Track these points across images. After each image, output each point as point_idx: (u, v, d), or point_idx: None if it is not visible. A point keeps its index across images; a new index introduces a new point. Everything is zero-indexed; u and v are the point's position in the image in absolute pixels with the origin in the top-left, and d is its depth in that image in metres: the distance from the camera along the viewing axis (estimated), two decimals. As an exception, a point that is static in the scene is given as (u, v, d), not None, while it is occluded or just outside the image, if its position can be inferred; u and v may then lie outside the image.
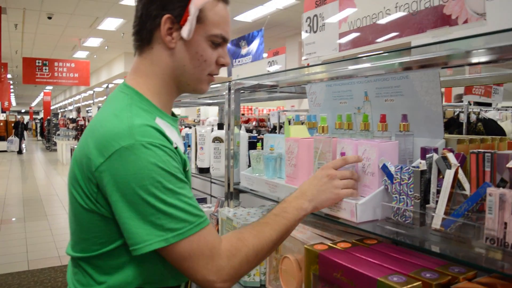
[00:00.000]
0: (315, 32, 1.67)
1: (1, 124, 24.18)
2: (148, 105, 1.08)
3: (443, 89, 7.06)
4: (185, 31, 1.04)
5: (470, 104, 4.83)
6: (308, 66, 1.62)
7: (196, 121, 13.82)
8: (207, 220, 1.02)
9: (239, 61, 7.17)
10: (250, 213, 1.91)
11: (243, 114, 14.43)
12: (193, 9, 1.02)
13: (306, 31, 1.72)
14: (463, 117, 4.22)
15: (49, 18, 10.15)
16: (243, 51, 7.54)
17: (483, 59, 1.22)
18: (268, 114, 11.64)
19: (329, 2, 1.59)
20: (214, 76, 1.17)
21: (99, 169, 0.96)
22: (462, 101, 4.69)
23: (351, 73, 1.63)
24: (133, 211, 0.94)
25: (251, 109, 15.23)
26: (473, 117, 4.26)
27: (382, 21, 1.36)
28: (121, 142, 0.94)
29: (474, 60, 1.28)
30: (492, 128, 4.13)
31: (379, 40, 1.37)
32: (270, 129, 10.43)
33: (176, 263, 0.99)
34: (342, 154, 1.35)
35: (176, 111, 13.97)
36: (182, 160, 1.07)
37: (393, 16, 1.32)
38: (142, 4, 1.08)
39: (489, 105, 5.35)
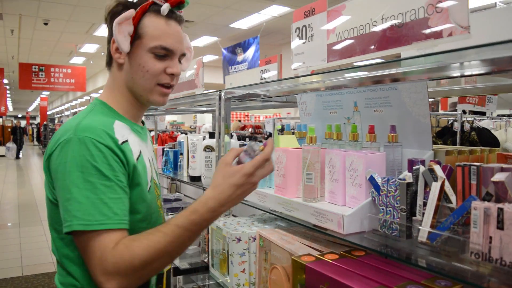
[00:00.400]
0: (304, 42, 1.67)
1: (9, 129, 23.82)
2: (109, 111, 1.24)
3: (438, 98, 7.09)
4: (119, 46, 1.20)
5: (465, 113, 4.84)
6: (297, 76, 1.62)
7: (192, 127, 13.80)
8: (117, 223, 1.05)
9: (235, 68, 7.16)
10: (240, 223, 1.90)
11: (239, 121, 14.43)
12: (114, 23, 1.17)
13: (295, 41, 1.72)
14: (457, 126, 4.22)
15: (45, 24, 10.13)
16: (239, 58, 7.53)
17: (473, 71, 1.23)
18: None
19: (318, 13, 1.59)
20: (168, 87, 1.26)
21: (49, 158, 1.12)
22: (456, 110, 4.69)
23: (340, 84, 1.63)
24: (60, 195, 1.08)
25: (247, 115, 15.23)
26: (467, 126, 4.27)
27: (369, 32, 1.36)
28: (65, 136, 1.09)
29: (465, 72, 1.28)
30: (486, 137, 4.13)
31: (366, 51, 1.37)
32: (266, 136, 10.42)
33: (81, 254, 1.08)
34: (265, 144, 1.14)
35: (172, 117, 13.98)
36: (127, 161, 1.14)
37: (379, 28, 1.32)
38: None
39: (484, 113, 5.36)
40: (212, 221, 1.12)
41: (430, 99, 1.50)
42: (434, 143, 4.40)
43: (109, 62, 1.28)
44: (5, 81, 19.08)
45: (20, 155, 20.62)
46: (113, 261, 1.01)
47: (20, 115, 43.70)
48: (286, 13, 9.05)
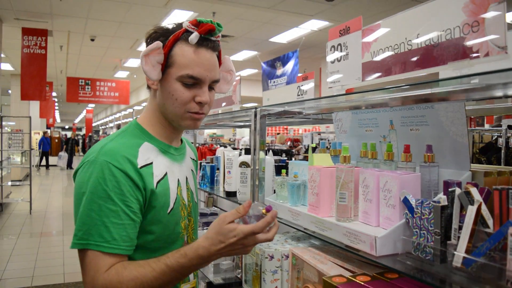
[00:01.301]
0: (339, 61, 1.67)
1: (56, 140, 24.72)
2: (141, 133, 1.29)
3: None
4: (147, 76, 1.23)
5: (511, 128, 4.67)
6: (332, 96, 1.61)
7: (231, 140, 13.94)
8: (113, 248, 1.11)
9: (274, 82, 7.21)
10: (273, 240, 1.90)
11: (278, 134, 14.44)
12: (142, 60, 1.21)
13: (331, 60, 1.72)
14: (501, 142, 4.07)
15: (92, 40, 10.54)
16: (278, 71, 7.58)
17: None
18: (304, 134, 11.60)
19: (353, 32, 1.59)
20: (199, 114, 1.27)
21: (74, 175, 1.22)
22: (501, 125, 4.53)
23: (377, 103, 1.62)
24: (74, 211, 1.16)
25: (286, 128, 15.23)
26: (512, 142, 4.11)
27: (404, 52, 1.35)
28: (89, 156, 1.17)
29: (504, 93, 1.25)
30: (533, 154, 3.96)
31: (401, 71, 1.36)
32: (305, 150, 10.37)
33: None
34: (267, 209, 1.18)
35: (212, 130, 14.14)
36: (145, 185, 1.18)
37: (415, 47, 1.30)
38: None
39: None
40: (200, 267, 1.19)
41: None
42: (478, 159, 4.27)
43: (148, 86, 1.32)
44: (54, 94, 19.92)
45: (73, 166, 21.32)
46: (102, 283, 1.08)
47: (67, 127, 45.37)
48: (325, 27, 9.05)
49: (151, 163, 1.23)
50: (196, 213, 1.45)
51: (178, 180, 1.33)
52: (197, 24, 1.22)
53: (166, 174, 1.27)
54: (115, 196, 1.12)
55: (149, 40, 1.25)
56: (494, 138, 4.38)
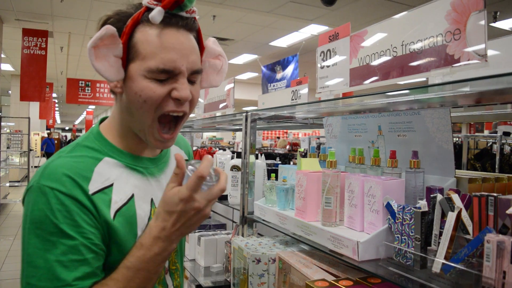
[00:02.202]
0: (328, 66, 1.69)
1: (56, 141, 24.61)
2: (102, 144, 1.03)
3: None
4: (102, 75, 0.96)
5: (508, 135, 4.68)
6: (321, 101, 1.63)
7: (230, 143, 13.96)
8: (73, 285, 0.87)
9: (273, 86, 7.22)
10: (261, 244, 1.91)
11: (278, 138, 14.44)
12: (90, 55, 0.93)
13: (320, 65, 1.74)
14: (496, 149, 4.08)
15: (93, 41, 10.57)
16: (278, 75, 7.59)
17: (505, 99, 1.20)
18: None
19: (341, 38, 1.60)
20: (169, 127, 1.01)
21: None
22: (497, 132, 4.54)
23: (363, 108, 1.63)
24: (21, 254, 0.91)
25: (286, 132, 15.23)
26: (507, 149, 4.12)
27: (390, 59, 1.36)
28: (32, 181, 0.93)
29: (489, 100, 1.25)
30: (528, 160, 3.97)
31: (386, 77, 1.37)
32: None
33: None
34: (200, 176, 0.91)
35: (212, 133, 14.17)
36: (100, 216, 0.93)
37: (399, 54, 1.32)
38: None
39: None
40: (164, 255, 0.93)
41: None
42: (472, 165, 4.27)
43: (111, 90, 1.02)
44: (54, 95, 19.94)
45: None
46: None
47: (67, 128, 45.39)
48: (324, 31, 9.07)
49: (111, 185, 0.97)
50: None
51: (152, 200, 1.06)
52: None
53: (132, 196, 1.01)
54: (68, 229, 0.88)
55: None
56: (489, 145, 4.39)
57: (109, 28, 0.91)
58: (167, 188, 0.92)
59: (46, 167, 0.93)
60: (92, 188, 0.93)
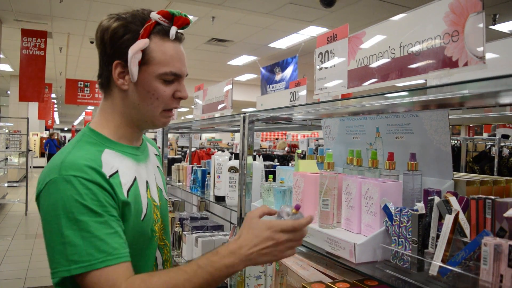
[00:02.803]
0: (326, 68, 1.68)
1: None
2: (98, 139, 1.17)
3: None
4: (132, 77, 1.14)
5: (508, 138, 4.67)
6: (318, 102, 1.62)
7: (229, 144, 13.96)
8: (118, 257, 1.01)
9: (272, 87, 7.21)
10: (259, 245, 1.90)
11: (277, 139, 14.45)
12: (130, 53, 1.10)
13: (318, 67, 1.73)
14: (495, 151, 4.08)
15: (92, 42, 10.54)
16: (277, 77, 7.59)
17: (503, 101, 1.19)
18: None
19: (340, 39, 1.60)
20: (173, 110, 1.23)
21: (37, 199, 1.07)
22: (495, 134, 4.54)
23: (361, 110, 1.62)
24: (49, 239, 1.02)
25: (285, 134, 15.24)
26: (506, 151, 4.11)
27: (388, 61, 1.35)
28: (51, 175, 1.04)
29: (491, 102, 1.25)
30: (527, 163, 3.97)
31: (384, 79, 1.37)
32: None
33: None
34: (297, 207, 1.12)
35: (211, 134, 14.17)
36: (117, 196, 1.08)
37: (397, 56, 1.31)
38: (99, 53, 1.18)
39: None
40: (230, 271, 1.05)
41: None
42: (471, 168, 4.26)
43: (106, 86, 1.20)
44: (53, 95, 19.91)
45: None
46: None
47: (66, 128, 45.35)
48: (323, 33, 9.07)
49: (117, 171, 1.12)
50: (165, 212, 1.35)
51: (147, 182, 1.24)
52: (170, 17, 1.14)
53: (135, 179, 1.18)
54: (97, 208, 1.01)
55: (111, 34, 1.12)
56: (487, 147, 4.39)
57: (146, 42, 1.11)
58: (253, 216, 1.10)
59: (63, 161, 1.05)
60: (107, 172, 1.08)
